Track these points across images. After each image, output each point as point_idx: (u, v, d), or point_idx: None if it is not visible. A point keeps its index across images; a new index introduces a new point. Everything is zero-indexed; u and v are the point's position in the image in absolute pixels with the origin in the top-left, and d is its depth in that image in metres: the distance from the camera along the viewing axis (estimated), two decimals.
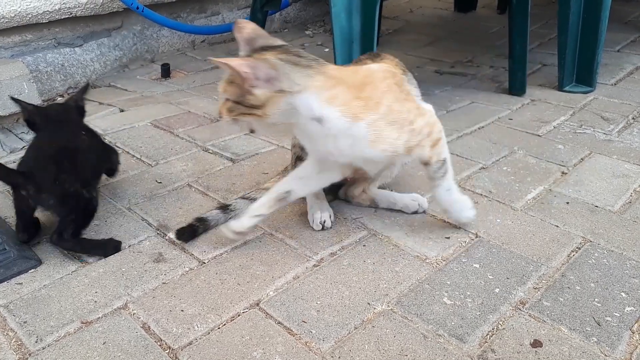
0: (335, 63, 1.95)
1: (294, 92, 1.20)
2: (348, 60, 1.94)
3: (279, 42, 1.26)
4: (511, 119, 2.29)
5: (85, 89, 1.70)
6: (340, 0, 1.90)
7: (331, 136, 1.26)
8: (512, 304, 1.24)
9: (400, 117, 1.29)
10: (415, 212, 1.61)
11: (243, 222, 1.42)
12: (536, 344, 1.13)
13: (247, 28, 1.25)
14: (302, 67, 1.22)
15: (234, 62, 1.14)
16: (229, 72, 1.19)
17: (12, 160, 1.99)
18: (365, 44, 1.93)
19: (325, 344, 1.14)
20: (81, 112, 1.66)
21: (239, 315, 1.22)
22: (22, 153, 2.02)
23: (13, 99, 1.60)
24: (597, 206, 1.63)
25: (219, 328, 1.18)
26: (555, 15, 2.51)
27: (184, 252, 1.45)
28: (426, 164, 1.39)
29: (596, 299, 1.25)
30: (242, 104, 1.20)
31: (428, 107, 1.44)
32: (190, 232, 1.49)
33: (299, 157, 1.56)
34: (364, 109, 1.25)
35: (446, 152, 1.42)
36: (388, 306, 1.24)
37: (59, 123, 1.57)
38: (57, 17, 2.77)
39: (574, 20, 2.44)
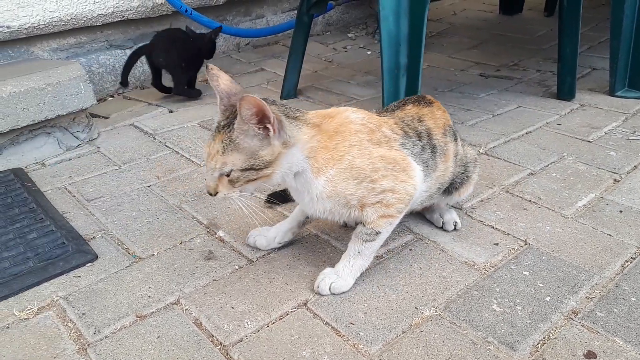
0: (381, 66, 1.95)
1: (289, 146, 1.14)
2: (394, 62, 1.94)
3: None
4: (560, 124, 2.24)
5: (218, 30, 2.77)
6: (388, 3, 1.90)
7: (299, 191, 1.24)
8: (563, 314, 1.22)
9: (362, 173, 1.20)
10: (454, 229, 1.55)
11: (267, 242, 1.47)
12: (590, 355, 1.11)
13: (223, 78, 1.16)
14: (291, 119, 1.17)
15: (264, 104, 1.05)
16: (229, 136, 1.09)
17: (67, 157, 2.08)
18: (413, 47, 1.93)
19: (374, 347, 1.14)
20: (212, 44, 2.75)
21: (287, 315, 1.24)
22: (78, 151, 2.11)
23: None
24: None
25: (268, 326, 1.20)
26: (606, 17, 2.45)
27: (234, 250, 1.49)
28: (362, 223, 1.27)
29: None
30: (254, 168, 1.12)
31: (413, 174, 1.26)
32: (279, 197, 1.65)
33: None
34: (327, 161, 1.18)
35: (388, 231, 1.30)
36: (436, 311, 1.24)
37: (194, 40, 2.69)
38: (110, 20, 2.87)
39: (628, 24, 2.37)
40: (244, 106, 1.05)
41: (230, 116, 1.12)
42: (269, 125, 1.09)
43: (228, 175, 1.13)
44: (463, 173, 1.49)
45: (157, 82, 2.71)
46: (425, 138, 1.33)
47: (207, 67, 1.17)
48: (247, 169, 1.12)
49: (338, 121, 1.22)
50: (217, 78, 1.15)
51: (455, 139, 1.43)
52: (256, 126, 1.09)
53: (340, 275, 1.30)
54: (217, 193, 1.15)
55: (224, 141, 1.10)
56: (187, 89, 2.72)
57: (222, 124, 1.13)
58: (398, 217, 1.28)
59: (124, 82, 2.64)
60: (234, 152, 1.10)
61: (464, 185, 1.50)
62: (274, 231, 1.46)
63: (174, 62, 2.59)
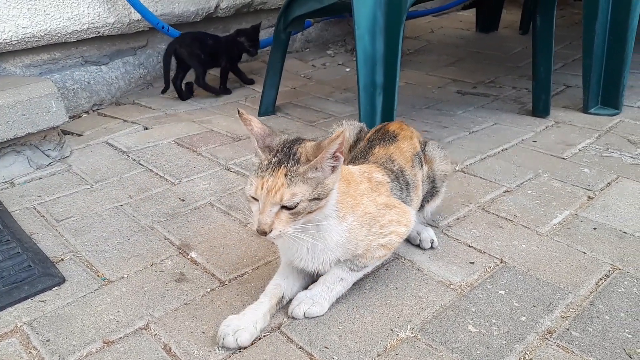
0: (358, 84, 1.95)
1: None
2: (371, 81, 1.94)
3: (284, 135, 1.20)
4: (535, 141, 2.26)
5: (243, 30, 3.10)
6: (364, 22, 1.91)
7: (321, 237, 1.21)
8: (539, 333, 1.21)
9: (372, 219, 1.25)
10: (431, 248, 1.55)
11: (250, 335, 1.20)
12: None
13: (255, 122, 1.16)
14: None
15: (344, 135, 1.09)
16: (305, 167, 1.10)
17: (38, 176, 2.03)
18: (389, 65, 1.93)
19: None
20: (236, 43, 3.08)
21: (260, 339, 1.21)
22: (49, 169, 2.07)
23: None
24: (625, 232, 1.59)
25: (240, 351, 1.17)
26: (579, 36, 2.49)
27: (206, 272, 1.45)
28: (358, 256, 1.27)
29: (627, 330, 1.21)
30: (319, 197, 1.12)
31: (409, 216, 1.34)
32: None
33: None
34: (349, 208, 1.21)
35: (373, 266, 1.34)
36: (412, 333, 1.22)
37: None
38: (85, 36, 2.83)
39: (599, 43, 2.42)
40: (333, 145, 1.08)
41: (281, 152, 1.12)
42: (338, 153, 1.11)
43: (292, 208, 1.10)
44: (432, 189, 1.55)
45: (177, 81, 2.96)
46: (400, 177, 1.39)
47: (238, 112, 1.17)
48: (313, 199, 1.12)
49: (344, 170, 1.25)
50: (250, 122, 1.16)
51: (421, 165, 1.49)
52: (332, 157, 1.12)
53: (315, 300, 1.27)
54: (271, 231, 1.10)
55: (290, 175, 1.09)
56: (207, 84, 2.99)
57: (274, 160, 1.11)
58: (388, 255, 1.34)
59: (167, 85, 2.96)
60: (301, 184, 1.10)
61: (433, 198, 1.56)
62: (250, 316, 1.23)
63: (197, 54, 2.89)
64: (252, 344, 1.18)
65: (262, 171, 1.12)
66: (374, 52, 1.93)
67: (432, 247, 1.53)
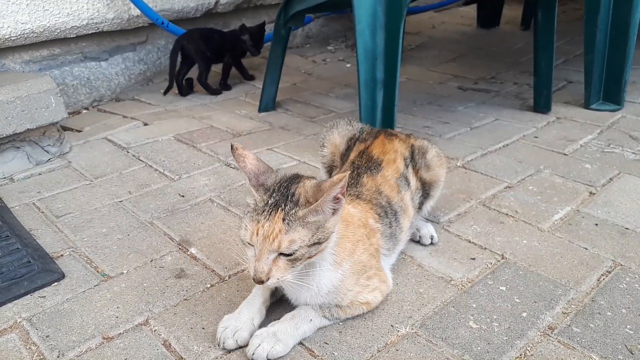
0: (358, 80, 1.94)
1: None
2: (371, 76, 1.93)
3: (280, 171, 1.14)
4: (537, 137, 2.25)
5: (244, 27, 3.02)
6: (364, 17, 1.90)
7: (315, 283, 1.15)
8: (540, 329, 1.21)
9: (363, 268, 1.20)
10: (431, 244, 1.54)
11: (250, 333, 1.17)
12: None
13: (250, 158, 1.10)
14: None
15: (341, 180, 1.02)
16: (303, 211, 1.03)
17: (37, 172, 2.02)
18: (389, 61, 1.92)
19: None
20: (239, 40, 3.03)
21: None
22: (48, 165, 2.06)
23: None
24: (627, 228, 1.59)
25: (240, 348, 1.16)
26: (581, 31, 2.48)
27: (206, 268, 1.45)
28: (338, 305, 1.21)
29: (628, 326, 1.21)
30: (319, 242, 1.05)
31: (390, 277, 1.32)
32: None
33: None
34: (346, 253, 1.16)
35: (345, 317, 1.24)
36: (412, 329, 1.22)
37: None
38: (84, 32, 2.82)
39: (601, 38, 2.40)
40: (335, 189, 1.02)
41: (278, 192, 1.06)
42: (340, 195, 1.05)
43: (289, 255, 1.04)
44: (422, 196, 1.52)
45: (179, 76, 2.97)
46: (388, 210, 1.35)
47: (232, 147, 1.10)
48: (313, 244, 1.05)
49: (344, 211, 1.18)
50: (244, 159, 1.09)
51: (408, 184, 1.45)
52: (334, 200, 1.05)
53: (279, 338, 1.13)
54: (268, 279, 1.04)
55: (288, 219, 1.02)
56: (208, 84, 2.98)
57: (270, 202, 1.05)
58: (363, 312, 1.25)
59: (171, 84, 2.96)
60: (300, 229, 1.03)
61: (427, 199, 1.54)
62: (246, 313, 1.20)
63: (203, 51, 2.89)
64: None
65: (257, 214, 1.04)
66: (375, 48, 1.92)
67: (432, 243, 1.52)
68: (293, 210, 1.03)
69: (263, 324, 1.19)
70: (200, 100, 2.89)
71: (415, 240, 1.53)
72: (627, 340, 1.17)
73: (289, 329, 1.16)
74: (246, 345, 1.14)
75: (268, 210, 1.04)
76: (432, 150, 1.53)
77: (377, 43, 1.92)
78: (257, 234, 1.03)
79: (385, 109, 1.97)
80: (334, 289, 1.17)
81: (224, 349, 1.15)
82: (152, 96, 2.98)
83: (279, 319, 1.19)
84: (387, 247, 1.32)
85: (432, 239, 1.52)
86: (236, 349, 1.15)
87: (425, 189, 1.51)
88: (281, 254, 1.04)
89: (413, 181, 1.47)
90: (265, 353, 1.11)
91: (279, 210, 1.03)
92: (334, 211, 1.07)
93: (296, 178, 1.10)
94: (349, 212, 1.23)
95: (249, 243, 1.06)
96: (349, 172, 1.13)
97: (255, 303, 1.22)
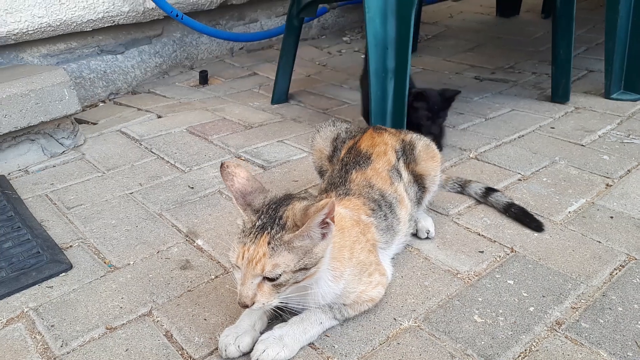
0: (368, 69, 1.91)
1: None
2: (382, 66, 1.90)
3: (272, 192, 1.10)
4: (553, 128, 2.19)
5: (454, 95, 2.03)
6: (375, 4, 1.87)
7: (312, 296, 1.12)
8: (547, 325, 1.18)
9: (363, 267, 1.18)
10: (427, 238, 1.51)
11: (252, 339, 1.13)
12: None
13: (240, 176, 1.06)
14: None
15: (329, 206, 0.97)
16: (288, 236, 0.99)
17: (51, 164, 2.05)
18: (400, 49, 1.89)
19: None
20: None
21: None
22: (62, 157, 2.09)
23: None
24: None
25: (243, 354, 1.15)
26: (603, 19, 2.40)
27: (211, 259, 1.45)
28: (344, 304, 1.18)
29: (639, 322, 1.17)
30: (306, 267, 1.01)
31: (389, 270, 1.30)
32: None
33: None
34: (344, 262, 1.12)
35: (354, 314, 1.21)
36: (415, 322, 1.20)
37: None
38: (100, 25, 2.84)
39: (623, 25, 2.33)
40: (319, 215, 0.98)
41: (266, 215, 1.03)
42: (329, 220, 1.01)
43: (273, 280, 1.00)
44: (419, 190, 1.49)
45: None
46: (382, 203, 1.32)
47: (222, 165, 1.06)
48: (299, 269, 1.01)
49: (337, 217, 1.11)
50: (232, 177, 1.05)
51: (400, 176, 1.42)
52: (321, 225, 1.01)
53: (285, 343, 1.09)
54: (253, 303, 1.01)
55: (273, 243, 0.99)
56: None
57: (257, 224, 1.01)
58: (368, 308, 1.23)
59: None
60: (286, 253, 0.99)
61: (424, 193, 1.51)
62: (247, 320, 1.16)
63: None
64: None
65: (244, 236, 1.01)
66: (385, 36, 1.89)
67: (428, 238, 1.49)
68: (279, 234, 1.00)
69: (266, 331, 1.14)
70: (213, 93, 2.90)
71: (413, 233, 1.51)
72: (638, 336, 1.13)
73: (297, 334, 1.12)
74: (249, 352, 1.09)
75: (254, 233, 1.01)
76: (420, 143, 1.49)
77: (387, 31, 1.89)
78: (243, 257, 1.00)
79: (396, 99, 1.93)
80: (339, 294, 1.14)
81: (227, 357, 1.10)
82: (168, 89, 2.99)
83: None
84: (385, 239, 1.29)
85: (428, 233, 1.49)
86: (239, 356, 1.11)
87: (419, 182, 1.47)
88: (265, 278, 1.00)
89: (405, 174, 1.44)
90: (270, 359, 1.07)
91: (265, 234, 1.00)
92: (323, 235, 1.02)
93: (287, 199, 1.06)
94: (341, 217, 1.18)
95: (236, 265, 1.03)
96: (333, 197, 1.08)
97: (256, 311, 1.16)
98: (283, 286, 1.02)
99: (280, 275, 0.99)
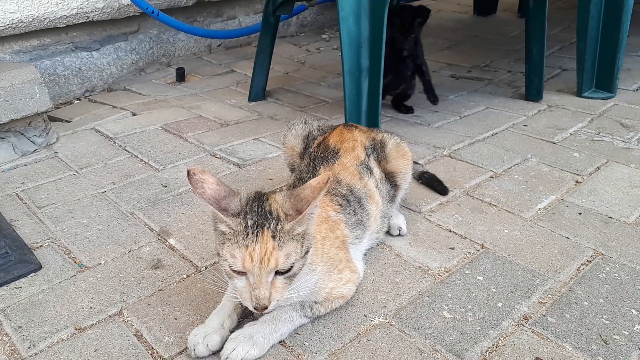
0: (342, 67, 1.92)
1: None
2: (356, 64, 1.91)
3: (242, 192, 1.07)
4: (526, 126, 2.23)
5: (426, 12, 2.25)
6: (348, 3, 1.87)
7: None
8: (514, 319, 1.20)
9: (333, 263, 1.18)
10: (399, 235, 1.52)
11: (221, 338, 1.12)
12: None
13: (209, 182, 1.02)
14: None
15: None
16: (292, 222, 0.99)
17: (23, 163, 2.02)
18: (374, 48, 1.90)
19: (318, 357, 1.11)
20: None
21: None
22: (34, 156, 2.05)
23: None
24: (611, 217, 1.57)
25: (213, 353, 1.15)
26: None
27: (183, 258, 1.44)
28: (315, 301, 1.18)
29: (604, 316, 1.20)
30: (309, 249, 1.04)
31: (360, 267, 1.31)
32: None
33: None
34: (318, 255, 1.12)
35: (325, 312, 1.21)
36: (385, 319, 1.21)
37: None
38: (74, 21, 2.80)
39: (594, 25, 2.37)
40: (320, 194, 0.98)
41: (252, 213, 1.00)
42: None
43: (287, 272, 1.00)
44: (392, 188, 1.49)
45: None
46: (350, 198, 1.32)
47: (188, 172, 1.01)
48: (304, 254, 1.02)
49: None
50: (202, 184, 1.00)
51: (370, 171, 1.42)
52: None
53: (256, 342, 1.09)
54: (270, 302, 1.00)
55: (278, 235, 0.98)
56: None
57: (249, 224, 0.99)
58: (340, 305, 1.23)
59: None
60: (291, 242, 0.99)
61: (397, 191, 1.51)
62: (216, 319, 1.15)
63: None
64: None
65: (242, 239, 0.98)
66: (359, 35, 1.90)
67: (400, 235, 1.50)
68: (279, 226, 0.99)
69: (236, 329, 1.13)
70: (190, 90, 2.88)
71: (385, 231, 1.52)
72: (602, 330, 1.16)
73: (268, 332, 1.11)
74: (219, 351, 1.08)
75: (253, 233, 0.98)
76: (391, 142, 1.50)
77: (361, 30, 1.90)
78: (252, 258, 0.97)
79: (371, 97, 1.95)
80: (313, 290, 1.14)
81: (196, 357, 1.09)
82: (144, 86, 2.96)
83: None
84: (355, 235, 1.30)
85: (400, 230, 1.50)
86: (209, 355, 1.10)
87: (391, 180, 1.48)
88: (277, 272, 0.99)
89: (377, 171, 1.44)
90: (239, 358, 1.06)
91: (265, 229, 0.98)
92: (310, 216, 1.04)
93: (262, 196, 1.05)
94: None
95: (239, 272, 1.00)
96: (330, 173, 1.09)
97: (225, 308, 1.16)
98: (295, 275, 1.02)
99: (293, 264, 1.00)
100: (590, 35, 2.38)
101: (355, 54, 1.91)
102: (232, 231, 1.00)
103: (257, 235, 0.98)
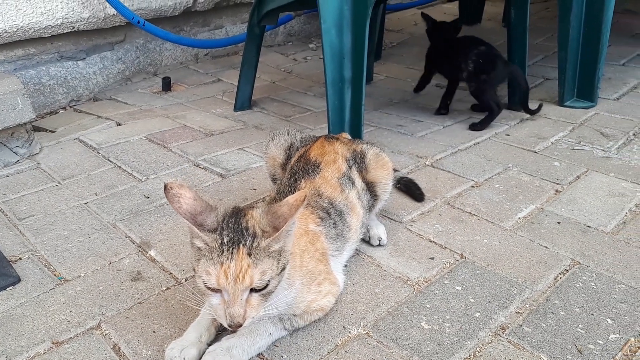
0: (325, 78, 1.93)
1: None
2: (338, 76, 1.92)
3: (220, 207, 1.06)
4: (508, 135, 2.25)
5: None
6: (330, 16, 1.89)
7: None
8: (491, 330, 1.21)
9: (312, 276, 1.18)
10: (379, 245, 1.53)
11: (198, 351, 1.12)
12: None
13: (186, 197, 1.01)
14: None
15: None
16: (268, 239, 0.99)
17: (4, 174, 2.01)
18: (356, 60, 1.91)
19: None
20: None
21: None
22: (16, 167, 2.04)
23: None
24: (589, 226, 1.59)
25: None
26: None
27: (163, 270, 1.44)
28: (294, 314, 1.19)
29: (580, 325, 1.21)
30: (285, 266, 1.03)
31: (340, 279, 1.31)
32: None
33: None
34: (297, 269, 1.12)
35: (304, 324, 1.22)
36: (364, 330, 1.21)
37: None
38: (59, 31, 2.80)
39: (574, 35, 2.40)
40: (298, 211, 0.99)
41: (228, 229, 0.99)
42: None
43: (262, 289, 0.99)
44: (371, 198, 1.49)
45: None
46: (331, 211, 1.32)
47: (165, 187, 1.01)
48: (280, 272, 1.02)
49: None
50: (178, 199, 1.00)
51: (352, 183, 1.42)
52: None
53: (233, 356, 1.09)
54: (244, 320, 0.99)
55: (254, 252, 0.98)
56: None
57: (225, 240, 0.98)
58: (318, 318, 1.24)
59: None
60: (267, 259, 0.98)
61: (376, 201, 1.51)
62: (193, 333, 1.15)
63: None
64: None
65: (217, 256, 0.97)
66: (342, 47, 1.91)
67: (380, 245, 1.51)
68: (255, 243, 0.98)
69: (214, 342, 1.13)
70: (176, 100, 2.88)
71: (365, 241, 1.53)
72: (577, 339, 1.17)
73: (245, 345, 1.11)
74: None
75: (228, 250, 0.97)
76: (370, 152, 1.50)
77: (344, 42, 1.91)
78: (226, 276, 0.96)
79: (353, 108, 1.96)
80: (291, 303, 1.15)
81: None
82: (130, 96, 2.96)
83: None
84: (335, 247, 1.31)
85: (380, 240, 1.50)
86: None
87: (371, 190, 1.49)
88: (252, 290, 0.99)
89: (359, 181, 1.45)
90: None
91: (241, 246, 0.97)
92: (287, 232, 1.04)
93: (239, 212, 1.04)
94: None
95: (214, 289, 0.99)
96: (307, 191, 1.09)
97: (202, 322, 1.16)
98: (271, 293, 1.02)
99: (269, 281, 0.99)
100: (571, 45, 2.41)
101: (337, 65, 1.92)
102: (207, 247, 0.99)
103: (232, 253, 0.97)
